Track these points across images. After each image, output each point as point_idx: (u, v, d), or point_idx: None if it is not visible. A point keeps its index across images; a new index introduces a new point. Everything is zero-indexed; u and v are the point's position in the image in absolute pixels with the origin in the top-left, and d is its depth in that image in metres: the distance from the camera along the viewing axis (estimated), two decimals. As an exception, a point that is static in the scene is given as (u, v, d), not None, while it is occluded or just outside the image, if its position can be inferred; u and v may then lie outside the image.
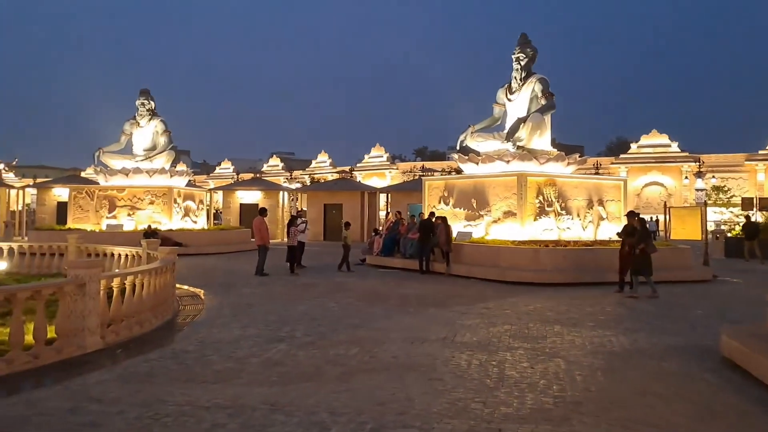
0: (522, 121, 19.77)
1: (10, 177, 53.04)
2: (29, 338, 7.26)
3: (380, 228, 24.03)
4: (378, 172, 47.39)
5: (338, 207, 36.92)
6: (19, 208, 39.70)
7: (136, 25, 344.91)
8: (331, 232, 36.43)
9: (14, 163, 61.54)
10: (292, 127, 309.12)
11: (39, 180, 47.20)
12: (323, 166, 52.08)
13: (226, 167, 59.49)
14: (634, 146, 56.69)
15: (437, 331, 9.56)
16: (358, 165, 49.54)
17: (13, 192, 39.51)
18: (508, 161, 19.28)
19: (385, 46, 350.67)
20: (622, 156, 56.86)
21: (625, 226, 14.81)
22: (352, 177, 45.83)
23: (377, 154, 48.94)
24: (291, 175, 52.14)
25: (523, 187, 18.18)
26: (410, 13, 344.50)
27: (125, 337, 8.67)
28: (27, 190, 41.85)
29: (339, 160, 54.25)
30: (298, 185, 46.48)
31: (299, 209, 31.43)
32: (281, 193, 40.03)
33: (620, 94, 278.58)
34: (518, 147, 19.54)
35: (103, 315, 8.27)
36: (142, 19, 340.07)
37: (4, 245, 17.82)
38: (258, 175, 50.81)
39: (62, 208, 35.10)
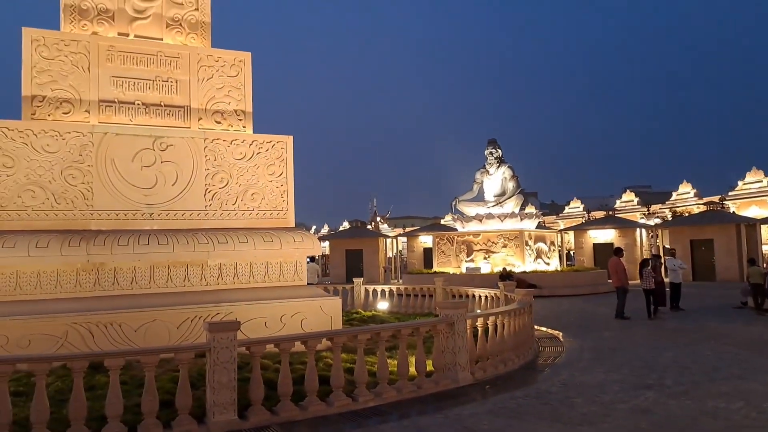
0: None
1: (385, 227, 61.42)
2: (412, 370, 8.23)
3: (765, 265, 20.63)
4: (758, 200, 40.75)
5: (708, 243, 32.98)
6: (394, 254, 45.72)
7: (484, 84, 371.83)
8: (700, 270, 32.75)
9: (388, 215, 71.17)
10: (647, 158, 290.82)
11: (408, 229, 53.73)
12: (686, 198, 47.12)
13: (575, 206, 58.68)
14: None
15: None
16: (729, 194, 43.52)
17: (388, 240, 45.74)
18: None
19: (756, 48, 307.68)
20: None
21: None
22: (723, 208, 40.58)
23: (755, 180, 42.03)
24: (648, 210, 48.79)
25: None
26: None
27: (491, 374, 9.14)
28: (399, 238, 47.98)
29: (705, 189, 48.52)
30: (657, 221, 43.18)
31: (668, 247, 29.06)
32: (638, 230, 37.72)
33: None
34: None
35: (470, 352, 8.90)
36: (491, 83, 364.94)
37: (385, 288, 20.61)
38: (610, 213, 48.90)
39: (428, 253, 39.28)
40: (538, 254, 29.86)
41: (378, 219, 63.77)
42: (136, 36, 11.71)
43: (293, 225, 12.16)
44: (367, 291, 20.48)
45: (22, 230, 9.99)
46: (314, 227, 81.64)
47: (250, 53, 12.28)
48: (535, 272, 27.69)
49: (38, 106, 10.71)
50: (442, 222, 54.27)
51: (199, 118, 11.78)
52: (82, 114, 10.96)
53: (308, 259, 30.18)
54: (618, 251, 18.18)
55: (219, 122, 11.93)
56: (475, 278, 26.30)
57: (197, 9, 12.32)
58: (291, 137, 12.18)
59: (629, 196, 53.61)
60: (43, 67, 10.75)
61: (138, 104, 11.35)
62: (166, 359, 7.75)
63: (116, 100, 11.20)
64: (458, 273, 29.05)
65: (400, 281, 35.21)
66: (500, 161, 32.42)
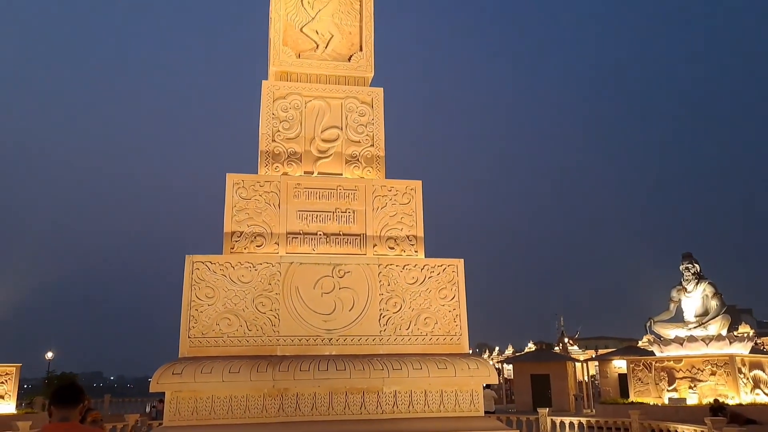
0: None
1: (574, 349, 57.32)
2: None
3: None
4: None
5: None
6: (585, 379, 42.24)
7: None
8: None
9: (577, 335, 66.55)
10: None
11: (600, 351, 49.69)
12: None
13: (798, 326, 50.65)
14: None
15: None
16: None
17: (578, 364, 42.53)
18: None
19: None
20: None
21: None
22: None
23: None
24: None
25: None
26: None
27: None
28: (590, 362, 44.48)
29: None
30: None
31: None
32: None
33: None
34: None
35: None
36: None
37: (573, 420, 18.90)
38: None
39: (623, 379, 35.74)
40: (756, 383, 25.75)
41: (566, 340, 60.06)
42: (319, 173, 12.82)
43: (467, 351, 11.81)
44: (553, 423, 18.99)
45: (217, 356, 10.82)
46: (497, 348, 78.53)
47: (420, 182, 12.77)
48: (753, 404, 23.79)
49: (236, 241, 11.93)
50: (639, 344, 49.64)
51: (374, 245, 12.28)
52: (272, 246, 11.98)
53: (484, 386, 29.11)
54: None
55: (392, 248, 12.33)
56: (679, 411, 23.23)
57: (373, 145, 13.27)
58: (461, 260, 12.13)
59: None
60: (241, 206, 12.08)
61: (320, 234, 12.18)
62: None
63: (301, 232, 12.13)
64: (659, 404, 25.89)
65: (593, 411, 32.23)
66: (699, 277, 29.43)
